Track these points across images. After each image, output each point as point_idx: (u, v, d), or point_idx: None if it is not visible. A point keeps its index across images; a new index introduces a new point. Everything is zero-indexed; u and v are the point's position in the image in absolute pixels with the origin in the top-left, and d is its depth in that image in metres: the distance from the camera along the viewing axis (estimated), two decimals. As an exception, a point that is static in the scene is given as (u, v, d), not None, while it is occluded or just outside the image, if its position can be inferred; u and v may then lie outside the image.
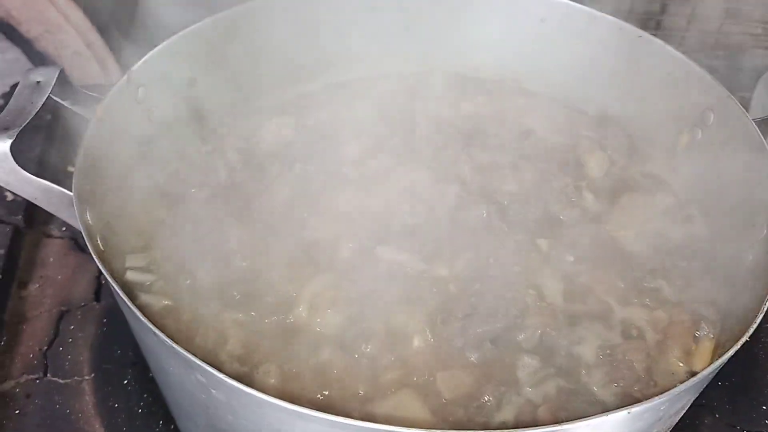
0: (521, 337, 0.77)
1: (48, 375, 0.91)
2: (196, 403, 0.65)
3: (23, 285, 1.01)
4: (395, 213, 0.88)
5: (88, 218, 0.72)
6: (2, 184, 0.73)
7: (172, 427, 0.87)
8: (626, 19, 1.70)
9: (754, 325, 0.62)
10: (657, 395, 0.57)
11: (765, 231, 0.74)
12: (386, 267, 0.83)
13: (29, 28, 1.66)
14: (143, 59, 0.86)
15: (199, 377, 0.58)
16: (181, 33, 0.91)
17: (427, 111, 1.05)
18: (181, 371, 0.62)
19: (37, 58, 1.73)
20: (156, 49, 0.87)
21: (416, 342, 0.75)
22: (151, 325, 0.58)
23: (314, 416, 0.54)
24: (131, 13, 1.95)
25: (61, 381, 0.90)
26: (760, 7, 1.75)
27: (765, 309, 0.63)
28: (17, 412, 0.87)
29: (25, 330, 0.95)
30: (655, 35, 1.74)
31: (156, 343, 0.60)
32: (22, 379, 0.90)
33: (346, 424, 0.53)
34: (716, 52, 1.55)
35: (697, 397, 0.86)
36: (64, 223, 1.09)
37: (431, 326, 0.77)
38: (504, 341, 0.76)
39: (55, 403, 0.88)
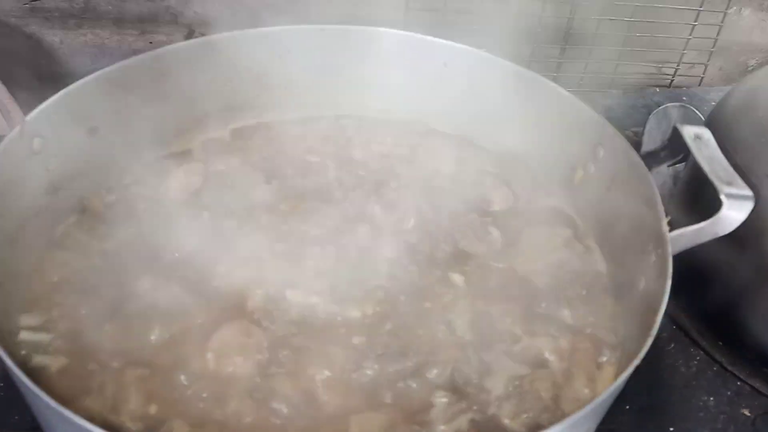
0: (433, 373, 0.78)
1: (-65, 449, 0.84)
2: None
3: None
4: (306, 255, 0.88)
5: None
6: None
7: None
8: (528, 62, 1.79)
9: (644, 349, 0.65)
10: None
11: (653, 257, 0.79)
12: (297, 311, 0.82)
13: (-77, 79, 1.59)
14: (39, 108, 0.84)
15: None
16: (80, 81, 0.89)
17: (338, 154, 1.07)
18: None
19: (-67, 109, 1.65)
20: (53, 98, 0.85)
21: (328, 386, 0.75)
22: (34, 387, 0.55)
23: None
24: (37, 63, 1.90)
25: (-50, 455, 0.84)
26: (653, 48, 1.89)
27: (653, 334, 0.67)
28: None
29: None
30: (555, 77, 1.84)
31: (43, 407, 0.57)
32: None
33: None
34: (612, 90, 1.65)
35: (606, 423, 0.89)
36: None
37: (343, 368, 0.77)
38: (416, 379, 0.77)
39: (-56, 480, 0.82)
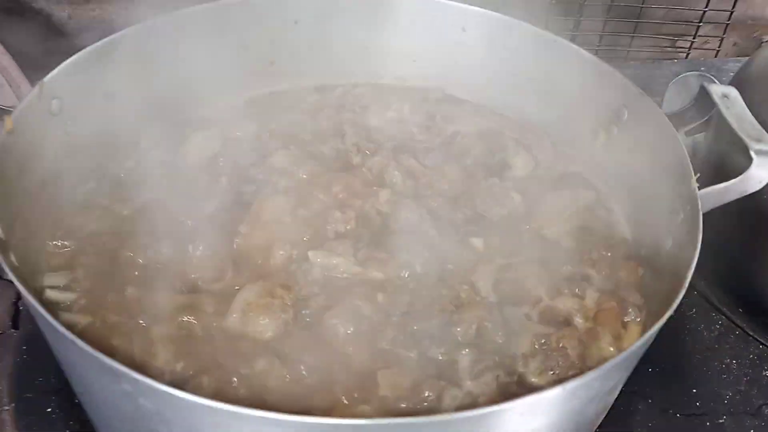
0: (458, 331, 0.77)
1: (-38, 409, 0.84)
2: (124, 418, 0.62)
3: (-69, 315, 0.94)
4: (327, 219, 0.88)
5: (1, 234, 0.68)
6: None
7: (101, 455, 0.82)
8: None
9: (677, 301, 0.65)
10: (590, 373, 0.59)
11: (681, 215, 0.78)
12: (319, 271, 0.82)
13: (-63, 53, 1.59)
14: (56, 70, 0.83)
15: (126, 386, 0.55)
16: (96, 44, 0.88)
17: (355, 120, 1.06)
18: (106, 384, 0.58)
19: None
20: (70, 60, 0.84)
21: (354, 342, 0.74)
22: (71, 336, 0.55)
23: (251, 415, 0.52)
24: (46, 38, 1.89)
25: (-24, 414, 0.84)
26: (668, 22, 1.87)
27: (686, 285, 0.66)
28: (-73, 450, 0.81)
29: (-66, 363, 0.89)
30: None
31: (79, 356, 0.57)
32: (-68, 414, 0.84)
33: (284, 420, 0.51)
34: (628, 63, 1.64)
35: (630, 384, 0.89)
36: (-24, 251, 1.02)
37: (367, 326, 0.76)
38: (441, 336, 0.77)
39: (-29, 439, 0.82)
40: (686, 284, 0.66)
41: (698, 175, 0.77)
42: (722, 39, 1.91)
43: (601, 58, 1.84)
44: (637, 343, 0.62)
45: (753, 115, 0.94)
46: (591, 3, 1.76)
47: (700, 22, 1.84)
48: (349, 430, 0.53)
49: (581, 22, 1.76)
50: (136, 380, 0.53)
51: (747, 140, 0.78)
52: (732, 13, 1.86)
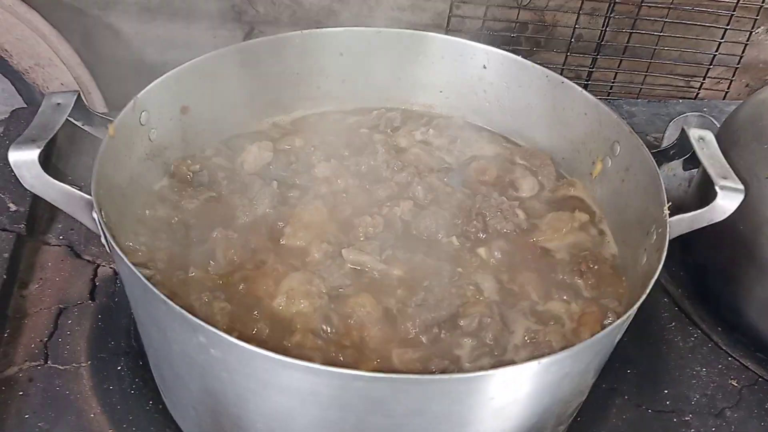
0: (463, 323, 0.93)
1: (48, 362, 1.02)
2: (193, 366, 0.79)
3: (24, 285, 1.12)
4: (359, 223, 1.04)
5: (104, 216, 0.85)
6: (28, 187, 0.86)
7: (161, 406, 0.99)
8: (561, 72, 1.94)
9: (638, 304, 0.80)
10: (563, 356, 0.74)
11: (654, 237, 0.93)
12: (350, 267, 0.98)
13: (20, 61, 1.80)
14: (147, 88, 1.01)
15: (201, 339, 0.72)
16: (178, 68, 1.06)
17: (387, 140, 1.23)
18: (183, 336, 0.75)
19: (25, 89, 1.86)
20: (158, 80, 1.02)
21: (376, 325, 0.91)
22: (161, 295, 0.72)
23: (296, 364, 0.68)
24: (114, 50, 2.10)
25: (60, 367, 1.02)
26: (681, 63, 2.02)
27: (647, 291, 0.81)
28: (21, 393, 0.98)
29: (26, 324, 1.07)
30: (586, 84, 1.98)
31: (165, 313, 0.74)
32: (25, 366, 1.01)
33: (323, 370, 0.68)
34: (638, 100, 1.78)
35: (610, 382, 1.04)
36: (62, 233, 1.21)
37: (388, 314, 0.92)
38: (449, 326, 0.92)
39: (56, 386, 0.99)
40: (647, 291, 0.81)
41: (670, 203, 0.92)
42: (731, 81, 2.04)
43: (615, 94, 2.00)
44: (600, 334, 0.77)
45: (731, 156, 1.09)
46: (608, 43, 1.92)
47: (710, 65, 1.99)
48: (367, 381, 0.69)
49: (597, 60, 1.92)
50: (212, 332, 0.70)
51: (714, 177, 0.93)
52: (741, 58, 1.99)
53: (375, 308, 0.93)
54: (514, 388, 0.76)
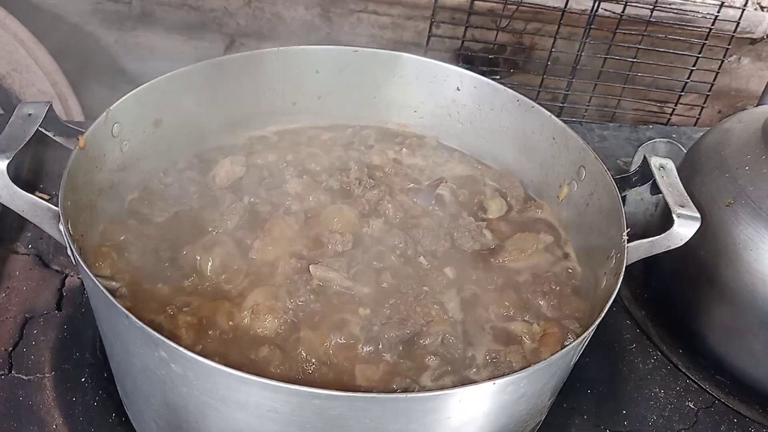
0: (426, 341, 0.94)
1: (12, 372, 1.02)
2: (155, 380, 0.79)
3: (-10, 294, 1.12)
4: (328, 240, 1.05)
5: (71, 230, 0.86)
6: (-4, 197, 0.86)
7: (123, 419, 0.99)
8: (538, 94, 1.98)
9: (592, 328, 0.82)
10: (519, 377, 0.76)
11: (613, 261, 0.95)
12: (317, 283, 0.99)
13: (-4, 67, 1.80)
14: (120, 100, 1.01)
15: (162, 353, 0.73)
16: (153, 80, 1.07)
17: (360, 157, 1.25)
18: (144, 351, 0.76)
19: (2, 94, 1.86)
20: (131, 93, 1.03)
21: (339, 342, 0.92)
22: (124, 310, 0.73)
23: (255, 381, 0.69)
24: (92, 59, 2.10)
25: (24, 377, 1.01)
26: (653, 90, 2.07)
27: (604, 313, 0.83)
28: (-18, 403, 0.98)
29: (-9, 333, 1.06)
30: (562, 107, 2.01)
31: (127, 328, 0.75)
32: (-12, 375, 1.01)
33: (282, 387, 0.69)
34: (610, 123, 1.82)
35: (570, 402, 1.06)
36: (30, 242, 1.21)
37: (352, 330, 0.93)
38: (412, 344, 0.94)
39: (19, 396, 0.99)
40: (602, 315, 0.83)
41: (629, 229, 0.94)
42: (702, 108, 2.09)
43: (589, 117, 2.04)
44: (555, 356, 0.78)
45: (694, 184, 1.12)
46: (583, 67, 1.96)
47: (682, 92, 2.04)
48: (325, 399, 0.70)
49: (572, 83, 1.96)
50: (173, 348, 0.71)
51: (672, 204, 0.96)
52: (713, 85, 2.05)
53: (339, 325, 0.94)
54: (471, 408, 0.77)
